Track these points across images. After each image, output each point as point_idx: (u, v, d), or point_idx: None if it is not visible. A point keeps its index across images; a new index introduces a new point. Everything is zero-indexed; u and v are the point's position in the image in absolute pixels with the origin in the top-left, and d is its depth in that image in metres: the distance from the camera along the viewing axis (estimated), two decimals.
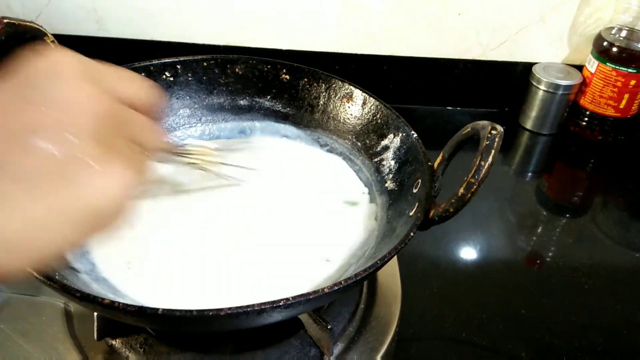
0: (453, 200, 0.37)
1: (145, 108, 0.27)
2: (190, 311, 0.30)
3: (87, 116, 0.23)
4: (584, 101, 0.84)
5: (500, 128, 0.37)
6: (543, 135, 0.87)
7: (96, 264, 0.41)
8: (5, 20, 0.45)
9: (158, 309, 0.30)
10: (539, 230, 0.72)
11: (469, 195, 0.36)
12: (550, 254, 0.67)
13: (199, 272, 0.42)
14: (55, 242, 0.22)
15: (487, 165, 0.36)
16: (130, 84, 0.26)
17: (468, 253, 0.65)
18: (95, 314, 0.42)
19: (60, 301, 0.47)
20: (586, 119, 0.85)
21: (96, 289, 0.38)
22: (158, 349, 0.43)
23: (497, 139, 0.36)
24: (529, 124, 0.87)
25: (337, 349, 0.45)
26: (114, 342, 0.44)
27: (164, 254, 0.43)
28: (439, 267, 0.62)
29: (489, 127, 0.37)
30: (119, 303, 0.30)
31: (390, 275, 0.52)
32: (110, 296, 0.38)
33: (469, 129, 0.40)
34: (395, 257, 0.54)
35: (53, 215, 0.22)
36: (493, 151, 0.36)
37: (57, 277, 0.34)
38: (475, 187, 0.36)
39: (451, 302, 0.57)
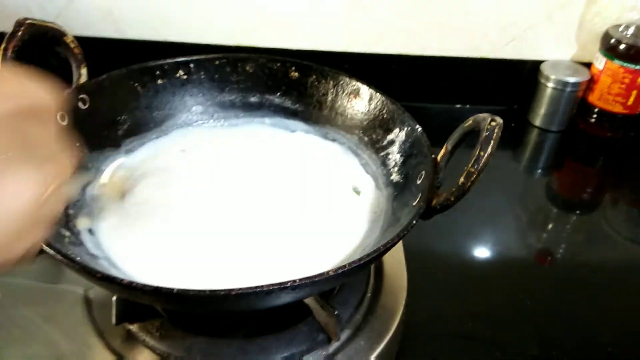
0: (454, 189, 0.39)
1: (48, 115, 0.25)
2: (203, 291, 0.32)
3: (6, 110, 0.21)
4: (593, 98, 0.85)
5: (499, 120, 0.39)
6: (552, 132, 0.88)
7: (109, 253, 0.43)
8: (28, 21, 0.48)
9: (173, 289, 0.32)
10: (549, 227, 0.72)
11: (469, 184, 0.38)
12: (560, 251, 0.68)
13: (211, 258, 0.44)
14: None
15: (486, 155, 0.37)
16: (31, 88, 0.24)
17: (476, 249, 0.66)
18: (114, 299, 0.44)
19: (80, 288, 0.49)
20: (595, 115, 0.86)
21: (114, 274, 0.40)
22: (173, 333, 0.45)
23: (496, 130, 0.38)
24: (537, 121, 0.88)
25: (344, 334, 0.47)
26: (131, 327, 0.46)
27: (176, 242, 0.45)
28: (446, 262, 0.63)
29: (489, 119, 0.38)
30: (137, 283, 0.32)
31: (397, 266, 0.54)
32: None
33: (470, 122, 0.42)
34: (402, 249, 0.56)
35: None
36: (492, 142, 0.38)
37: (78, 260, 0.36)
38: (474, 176, 0.38)
39: (457, 296, 0.59)
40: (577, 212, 0.77)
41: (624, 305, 0.60)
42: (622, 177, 0.83)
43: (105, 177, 0.51)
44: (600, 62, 0.82)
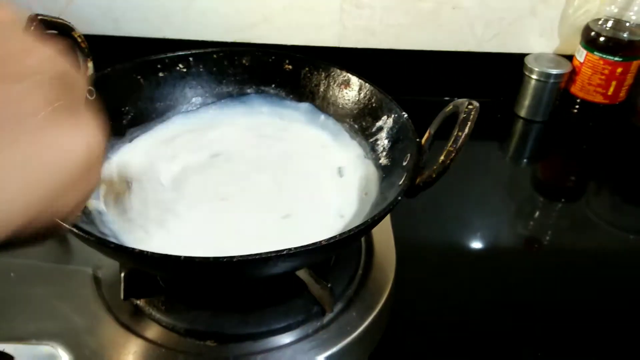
0: (435, 167, 0.42)
1: (80, 85, 0.26)
2: (207, 258, 0.35)
3: (47, 73, 0.22)
4: (575, 89, 0.88)
5: (476, 103, 0.42)
6: (537, 123, 0.91)
7: (117, 233, 0.47)
8: (39, 17, 0.51)
9: (180, 256, 0.35)
10: (535, 214, 0.75)
11: (449, 161, 0.41)
12: (546, 237, 0.71)
13: (211, 236, 0.47)
14: (16, 205, 0.20)
15: (463, 135, 0.41)
16: (64, 60, 0.24)
17: (463, 234, 0.69)
18: (122, 275, 0.47)
19: (89, 269, 0.53)
20: (577, 106, 0.89)
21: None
22: (177, 307, 0.49)
23: (473, 112, 0.41)
24: (522, 112, 0.91)
25: (337, 307, 0.50)
26: (138, 302, 0.49)
27: (179, 220, 0.48)
28: (433, 245, 0.66)
29: (466, 103, 0.42)
30: (147, 252, 0.35)
31: (386, 245, 0.57)
32: None
33: (450, 107, 0.45)
34: (391, 229, 0.59)
35: (10, 172, 0.20)
36: (469, 122, 0.41)
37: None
38: (453, 154, 0.41)
39: (443, 275, 0.62)
40: (562, 199, 0.80)
41: (609, 290, 0.62)
42: (605, 165, 0.86)
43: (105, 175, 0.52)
44: (581, 55, 0.85)
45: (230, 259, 0.35)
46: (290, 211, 0.50)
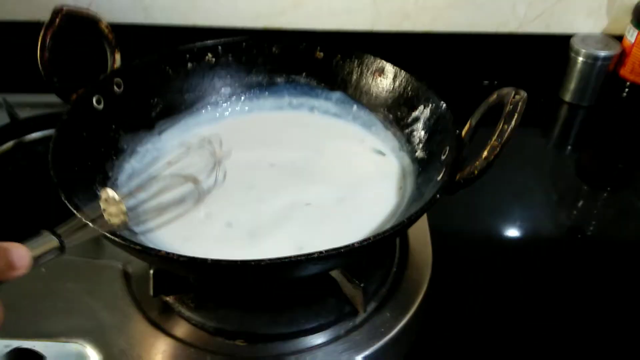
0: (477, 163, 0.40)
1: None
2: (235, 261, 0.34)
3: None
4: (624, 71, 0.83)
5: (523, 93, 0.39)
6: (583, 108, 0.86)
7: (146, 232, 0.46)
8: (65, 9, 0.50)
9: (207, 259, 0.34)
10: (579, 204, 0.72)
11: (492, 157, 0.38)
12: (590, 228, 0.67)
13: (245, 232, 0.46)
14: None
15: (510, 128, 0.38)
16: None
17: (504, 226, 0.66)
18: (151, 272, 0.46)
19: (119, 263, 0.52)
20: (626, 89, 0.84)
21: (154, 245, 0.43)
22: (206, 305, 0.48)
23: (520, 104, 0.38)
24: (568, 97, 0.87)
25: (370, 307, 0.48)
26: (167, 299, 0.48)
27: (209, 216, 0.47)
28: (472, 239, 0.64)
29: (513, 93, 0.39)
30: (173, 254, 0.34)
31: (422, 242, 0.55)
32: None
33: (494, 97, 0.42)
34: (427, 225, 0.56)
35: None
36: (516, 115, 0.38)
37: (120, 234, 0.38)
38: (498, 149, 0.38)
39: (483, 273, 0.59)
40: (608, 188, 0.76)
41: None
42: None
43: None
44: (632, 35, 0.80)
45: (258, 262, 0.34)
46: (327, 208, 0.48)
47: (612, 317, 0.55)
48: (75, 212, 0.37)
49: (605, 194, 0.75)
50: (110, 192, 0.38)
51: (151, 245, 0.43)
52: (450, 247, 0.59)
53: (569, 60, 0.83)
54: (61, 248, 0.34)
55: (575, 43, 0.82)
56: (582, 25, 0.85)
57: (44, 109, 0.73)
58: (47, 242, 0.34)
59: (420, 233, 0.56)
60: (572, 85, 0.85)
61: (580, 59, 0.81)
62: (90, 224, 0.36)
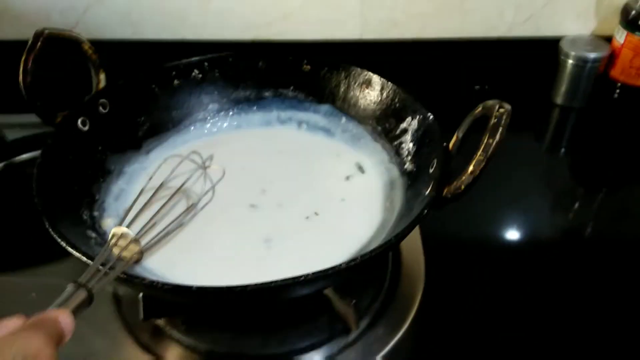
0: (463, 178, 0.39)
1: None
2: (220, 287, 0.34)
3: None
4: (615, 73, 0.82)
5: (507, 106, 0.39)
6: (574, 110, 0.86)
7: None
8: (46, 32, 0.50)
9: (192, 286, 0.33)
10: (575, 206, 0.71)
11: (478, 171, 0.38)
12: (587, 230, 0.67)
13: (231, 257, 0.45)
14: None
15: (494, 142, 0.37)
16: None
17: (499, 232, 0.65)
18: (141, 295, 0.46)
19: (109, 286, 0.52)
20: (617, 90, 0.83)
21: (139, 272, 0.42)
22: (198, 327, 0.47)
23: (504, 117, 0.38)
24: (559, 99, 0.86)
25: (363, 323, 0.48)
26: (158, 322, 0.48)
27: (195, 244, 0.46)
28: (467, 246, 0.63)
29: (497, 106, 0.38)
30: (157, 282, 0.34)
31: (415, 253, 0.54)
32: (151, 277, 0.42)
33: (479, 109, 0.42)
34: (419, 236, 0.56)
35: None
36: (501, 128, 0.38)
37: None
38: (483, 163, 0.38)
39: (478, 283, 0.58)
40: (603, 190, 0.75)
41: None
42: None
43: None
44: (621, 36, 0.79)
45: (243, 287, 0.33)
46: (314, 224, 0.47)
47: (611, 319, 0.54)
48: (59, 240, 0.37)
49: (600, 195, 0.74)
50: (124, 230, 0.37)
51: (139, 270, 0.43)
52: (443, 257, 0.59)
53: (559, 63, 0.83)
54: (90, 299, 0.34)
55: (564, 46, 0.82)
56: (571, 27, 0.85)
57: (33, 130, 0.73)
58: (78, 296, 0.33)
59: (413, 244, 0.56)
60: (563, 87, 0.84)
61: (570, 61, 0.81)
62: (109, 271, 0.35)
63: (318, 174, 0.54)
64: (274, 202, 0.51)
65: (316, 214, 0.49)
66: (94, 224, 0.46)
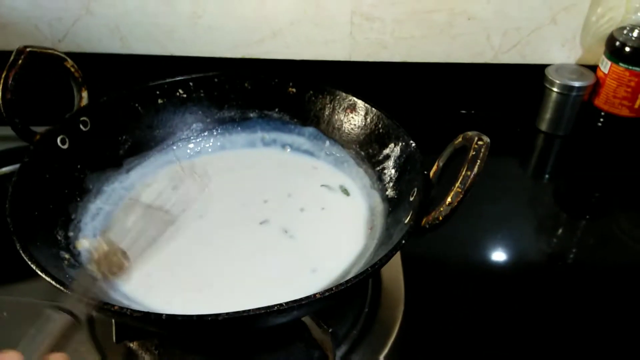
0: (441, 209, 0.39)
1: None
2: (191, 316, 0.33)
3: None
4: (599, 102, 0.83)
5: (486, 139, 0.39)
6: (558, 137, 0.87)
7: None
8: (28, 49, 0.50)
9: (162, 314, 0.33)
10: (558, 232, 0.71)
11: (456, 203, 0.38)
12: (570, 256, 0.67)
13: (204, 281, 0.45)
14: None
15: (472, 175, 0.37)
16: None
17: (482, 257, 0.65)
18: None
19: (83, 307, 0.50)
20: (601, 119, 0.84)
21: (111, 296, 0.42)
22: (171, 351, 0.46)
23: (482, 150, 0.38)
24: (543, 126, 0.87)
25: (341, 350, 0.47)
26: (131, 345, 0.47)
27: (172, 266, 0.46)
28: (449, 272, 0.62)
29: (476, 138, 0.39)
30: (127, 309, 0.33)
31: (394, 279, 0.54)
32: (124, 302, 0.41)
33: (460, 139, 0.42)
34: (400, 261, 0.56)
35: None
36: (479, 161, 0.38)
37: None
38: (461, 196, 0.38)
39: (460, 309, 0.58)
40: (587, 217, 0.76)
41: (637, 309, 0.59)
42: (631, 181, 0.82)
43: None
44: (605, 66, 0.81)
45: (215, 317, 0.33)
46: (295, 250, 0.47)
47: (591, 344, 0.54)
48: (30, 263, 0.36)
49: (583, 222, 0.74)
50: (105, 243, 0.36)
51: (112, 293, 0.42)
52: (424, 283, 0.58)
53: (544, 91, 0.84)
54: (77, 320, 0.32)
55: (549, 74, 0.83)
56: (557, 55, 0.86)
57: (13, 143, 0.72)
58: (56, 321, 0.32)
59: (393, 269, 0.55)
60: (548, 115, 0.85)
61: (555, 89, 0.82)
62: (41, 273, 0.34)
63: (300, 197, 0.53)
64: (255, 223, 0.50)
65: (295, 237, 0.49)
66: (69, 245, 0.45)
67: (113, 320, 0.45)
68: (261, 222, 0.51)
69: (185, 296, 0.43)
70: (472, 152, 0.38)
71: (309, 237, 0.49)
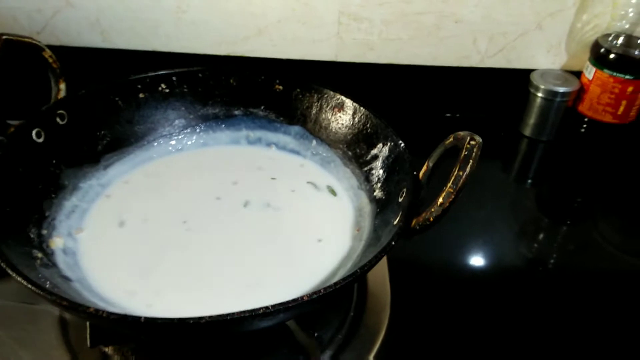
0: (433, 210, 0.38)
1: None
2: (172, 319, 0.31)
3: None
4: (582, 107, 0.84)
5: (478, 139, 0.38)
6: (542, 142, 0.87)
7: (85, 273, 0.42)
8: (4, 37, 0.47)
9: (140, 317, 0.31)
10: (540, 237, 0.71)
11: (448, 204, 0.37)
12: (551, 261, 0.67)
13: (186, 280, 0.43)
14: None
15: (464, 175, 0.37)
16: None
17: (465, 261, 0.65)
18: (88, 322, 0.43)
19: (56, 309, 0.48)
20: (585, 125, 0.85)
21: (86, 297, 0.40)
22: (148, 356, 0.44)
23: (475, 150, 0.37)
24: (527, 131, 0.87)
25: (326, 355, 0.46)
26: (106, 350, 0.45)
27: (151, 264, 0.44)
28: (433, 275, 0.62)
29: (468, 138, 0.38)
30: (103, 311, 0.31)
31: (380, 283, 0.53)
32: (100, 304, 0.39)
33: (451, 139, 0.41)
34: (386, 265, 0.55)
35: None
36: (471, 161, 0.37)
37: (48, 285, 0.35)
38: (453, 196, 0.37)
39: (443, 312, 0.58)
40: (568, 222, 0.76)
41: (616, 314, 0.59)
42: (613, 187, 0.82)
43: None
44: (589, 72, 0.81)
45: (197, 320, 0.31)
46: (279, 250, 0.46)
47: (572, 348, 0.54)
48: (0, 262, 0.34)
49: (565, 228, 0.75)
50: None
51: (87, 295, 0.40)
52: (409, 286, 0.57)
53: (529, 96, 0.84)
54: None
55: (534, 79, 0.83)
56: (542, 60, 0.87)
57: None
58: None
59: (379, 272, 0.54)
60: (532, 120, 0.85)
61: (540, 94, 0.82)
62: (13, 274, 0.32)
63: (284, 197, 0.52)
64: (235, 223, 0.49)
65: (278, 237, 0.47)
66: (42, 243, 0.43)
67: (87, 323, 0.43)
68: (240, 222, 0.49)
69: (166, 298, 0.41)
70: (464, 152, 0.37)
71: (293, 238, 0.48)
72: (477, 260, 0.65)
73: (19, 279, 0.33)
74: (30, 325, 0.47)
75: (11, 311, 0.48)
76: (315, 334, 0.43)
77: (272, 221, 0.50)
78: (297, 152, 0.59)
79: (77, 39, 0.84)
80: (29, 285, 0.32)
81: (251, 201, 0.51)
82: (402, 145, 0.48)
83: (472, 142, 0.38)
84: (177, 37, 0.84)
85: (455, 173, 0.37)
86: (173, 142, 0.58)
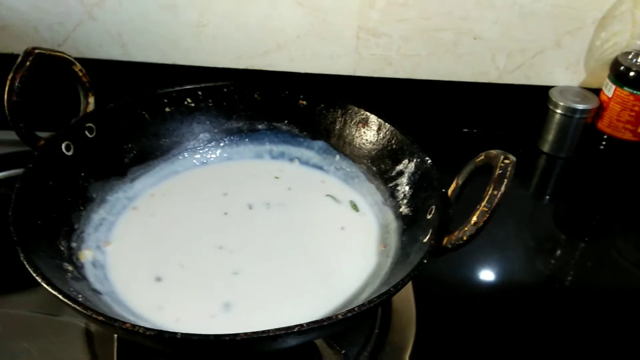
0: (466, 229, 0.38)
1: None
2: (207, 336, 0.31)
3: None
4: (602, 125, 0.84)
5: (512, 158, 0.38)
6: (560, 159, 0.87)
7: (115, 287, 0.42)
8: (36, 51, 0.48)
9: (177, 333, 0.31)
10: (558, 254, 0.71)
11: (482, 223, 0.37)
12: (569, 279, 0.67)
13: (215, 296, 0.43)
14: None
15: (499, 194, 0.36)
16: None
17: (485, 278, 0.64)
18: (116, 335, 0.43)
19: (82, 321, 0.48)
20: (604, 142, 0.85)
21: (117, 311, 0.40)
22: None
23: (509, 169, 0.37)
24: (546, 147, 0.87)
25: None
26: None
27: (181, 278, 0.44)
28: (455, 292, 0.62)
29: (502, 157, 0.38)
30: (140, 327, 0.31)
31: (405, 300, 0.53)
32: (130, 318, 0.39)
33: (482, 157, 0.41)
34: (410, 282, 0.54)
35: None
36: (506, 180, 0.37)
37: (80, 299, 0.35)
38: (488, 215, 0.37)
39: (467, 328, 0.57)
40: (586, 239, 0.75)
41: (634, 332, 0.58)
42: (632, 204, 0.82)
43: None
44: (609, 89, 0.81)
45: (233, 337, 0.31)
46: (306, 268, 0.45)
47: None
48: (35, 275, 0.34)
49: (583, 245, 0.74)
50: None
51: (117, 308, 0.40)
52: (433, 302, 0.57)
53: (548, 112, 0.84)
54: None
55: (553, 96, 0.83)
56: (561, 77, 0.87)
57: (12, 147, 0.69)
58: None
59: (403, 290, 0.54)
60: (551, 136, 0.85)
61: (559, 111, 0.82)
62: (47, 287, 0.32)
63: (309, 212, 0.52)
64: (261, 242, 0.49)
65: (306, 255, 0.47)
66: (71, 256, 0.43)
67: (115, 337, 0.43)
68: (267, 235, 0.49)
69: (195, 315, 0.41)
70: (498, 171, 0.37)
71: (317, 254, 0.48)
72: (496, 277, 0.65)
73: (55, 292, 0.33)
74: (56, 337, 0.47)
75: (36, 322, 0.48)
76: (343, 351, 0.42)
77: (295, 236, 0.50)
78: (320, 167, 0.59)
79: (98, 51, 0.85)
80: (66, 300, 0.32)
81: (275, 217, 0.52)
82: (429, 161, 0.48)
83: (507, 161, 0.38)
84: (196, 51, 0.85)
85: (490, 192, 0.37)
86: (197, 156, 0.59)
